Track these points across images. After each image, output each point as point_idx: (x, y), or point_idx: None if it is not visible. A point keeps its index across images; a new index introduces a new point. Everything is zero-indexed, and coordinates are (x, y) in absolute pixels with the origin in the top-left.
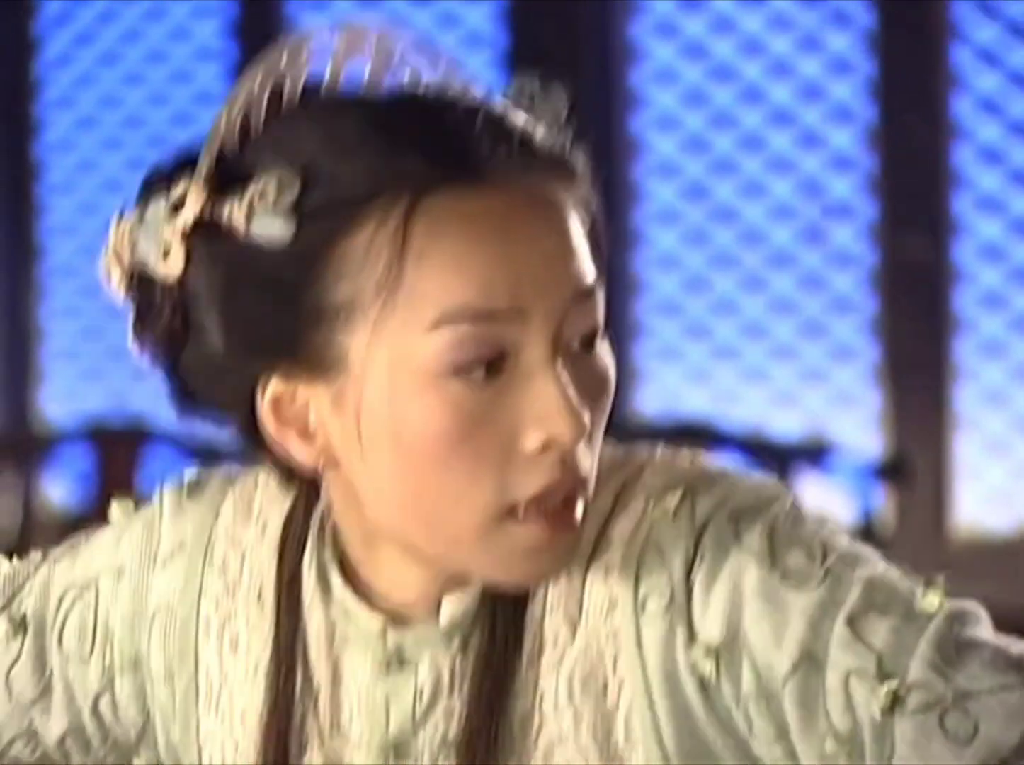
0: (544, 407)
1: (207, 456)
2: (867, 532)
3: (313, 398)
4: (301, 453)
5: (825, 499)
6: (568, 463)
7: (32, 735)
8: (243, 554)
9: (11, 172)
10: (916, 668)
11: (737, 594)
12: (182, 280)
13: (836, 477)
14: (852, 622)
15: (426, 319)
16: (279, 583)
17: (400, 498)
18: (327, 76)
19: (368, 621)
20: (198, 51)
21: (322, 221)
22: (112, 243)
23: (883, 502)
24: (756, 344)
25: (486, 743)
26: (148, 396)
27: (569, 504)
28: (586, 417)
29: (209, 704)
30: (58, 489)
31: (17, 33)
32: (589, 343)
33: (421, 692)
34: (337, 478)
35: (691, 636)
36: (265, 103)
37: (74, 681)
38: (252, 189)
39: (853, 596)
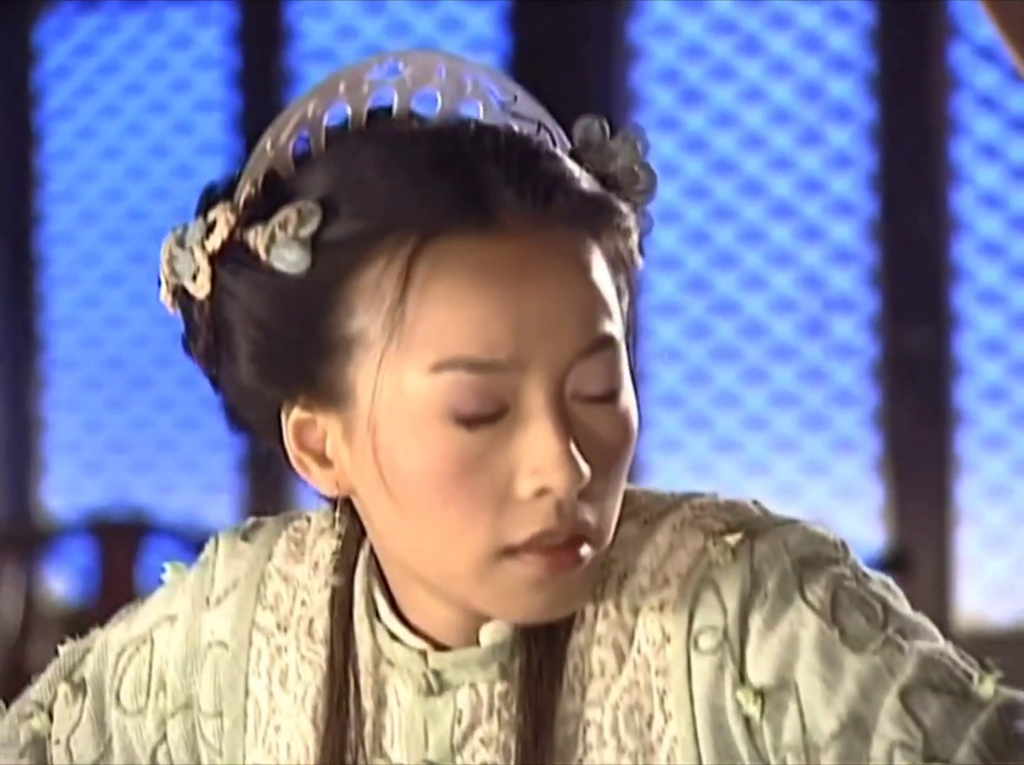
0: (538, 456)
1: None
2: None
3: (329, 427)
4: (320, 480)
5: None
6: (564, 511)
7: None
8: (295, 590)
9: (14, 265)
10: (963, 754)
11: (794, 643)
12: (212, 302)
13: None
14: (905, 695)
15: (426, 362)
16: (331, 612)
17: (402, 531)
18: (395, 105)
19: (411, 642)
20: (199, 59)
21: (338, 254)
22: (161, 258)
23: None
24: (757, 437)
25: None
26: (149, 489)
27: (568, 545)
28: (584, 468)
29: (256, 737)
30: (59, 582)
31: (17, 44)
32: (607, 396)
33: (460, 716)
34: (359, 507)
35: (741, 676)
36: (317, 132)
37: (132, 737)
38: (276, 218)
39: (909, 669)
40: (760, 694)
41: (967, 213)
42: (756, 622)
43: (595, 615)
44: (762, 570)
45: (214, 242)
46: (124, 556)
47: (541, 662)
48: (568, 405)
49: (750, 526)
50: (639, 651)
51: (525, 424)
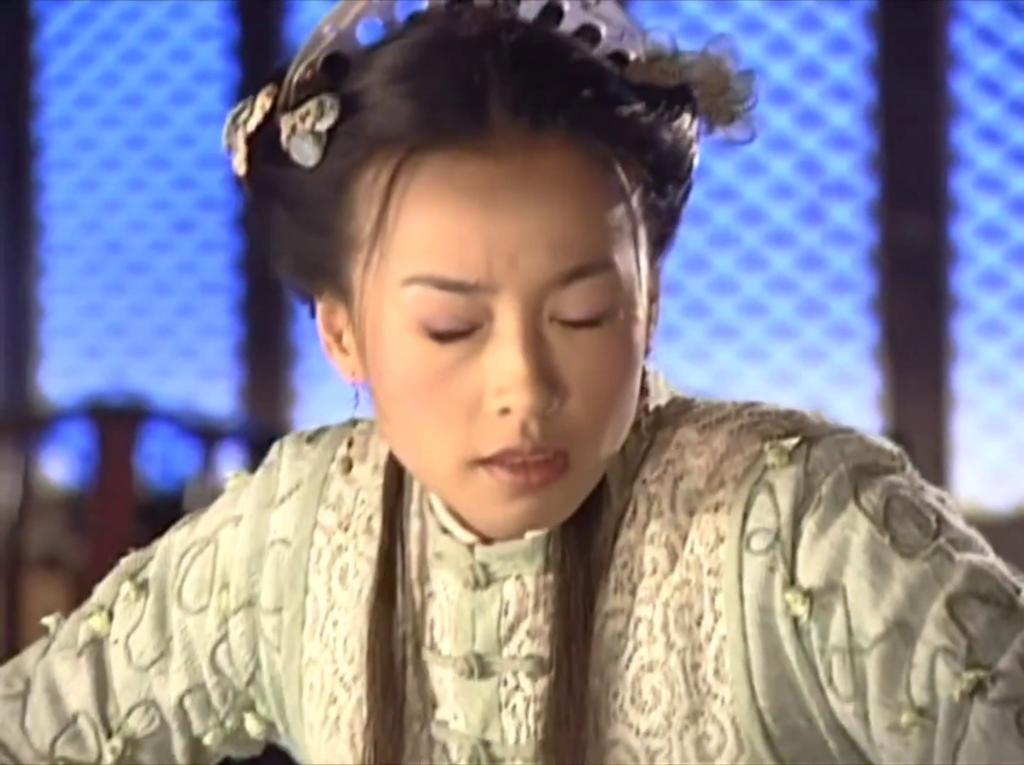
0: (503, 376)
1: (206, 433)
2: None
3: (342, 318)
4: (341, 364)
5: None
6: (528, 430)
7: (150, 704)
8: (357, 490)
9: (11, 150)
10: (1005, 662)
11: (844, 547)
12: (250, 182)
13: None
14: (951, 603)
15: (401, 274)
16: (385, 507)
17: (391, 431)
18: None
19: (460, 535)
20: (199, 73)
21: (345, 153)
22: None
23: None
24: (755, 323)
25: (571, 661)
26: (147, 374)
27: (537, 465)
28: (546, 392)
29: (314, 632)
30: (57, 467)
31: (17, 48)
32: (589, 320)
33: (506, 608)
34: None
35: (791, 578)
36: (355, 29)
37: (193, 636)
38: (300, 109)
39: (957, 578)
40: (808, 595)
41: (966, 99)
42: (808, 525)
43: (647, 513)
44: (817, 474)
45: (251, 123)
46: (122, 441)
47: (583, 555)
48: (544, 328)
49: (808, 432)
50: (692, 551)
51: (495, 343)
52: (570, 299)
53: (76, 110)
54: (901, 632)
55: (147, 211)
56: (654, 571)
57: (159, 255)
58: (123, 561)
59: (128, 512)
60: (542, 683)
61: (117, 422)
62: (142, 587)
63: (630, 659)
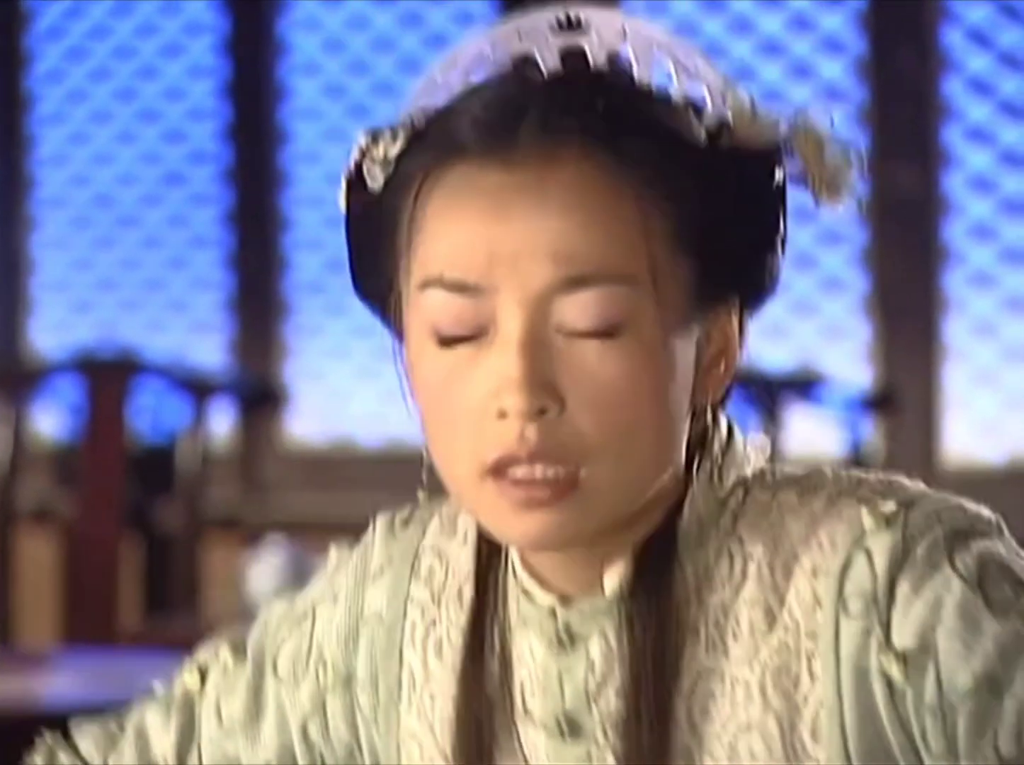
0: (501, 378)
1: (197, 386)
2: (856, 463)
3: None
4: (405, 359)
5: (815, 430)
6: (524, 436)
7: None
8: (447, 563)
9: (2, 104)
10: None
11: (938, 608)
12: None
13: (826, 408)
14: None
15: (418, 279)
16: (476, 576)
17: (429, 446)
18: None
19: (542, 598)
20: (189, 25)
21: (399, 176)
22: None
23: (872, 433)
24: None
25: (652, 719)
26: (137, 327)
27: (544, 482)
28: (539, 396)
29: (411, 705)
30: (48, 420)
31: (6, 1)
32: (596, 332)
33: (592, 667)
34: None
35: (886, 640)
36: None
37: (286, 705)
38: (379, 137)
39: None
40: (903, 658)
41: (956, 51)
42: (903, 587)
43: (743, 573)
44: (914, 538)
45: (351, 163)
46: (113, 395)
47: (662, 611)
48: (549, 336)
49: (906, 497)
50: (790, 614)
51: (497, 347)
52: (575, 309)
53: (66, 63)
54: (990, 686)
55: (137, 164)
56: (752, 632)
57: (149, 209)
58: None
59: (119, 465)
60: (628, 742)
61: (108, 376)
62: (239, 652)
63: (728, 719)
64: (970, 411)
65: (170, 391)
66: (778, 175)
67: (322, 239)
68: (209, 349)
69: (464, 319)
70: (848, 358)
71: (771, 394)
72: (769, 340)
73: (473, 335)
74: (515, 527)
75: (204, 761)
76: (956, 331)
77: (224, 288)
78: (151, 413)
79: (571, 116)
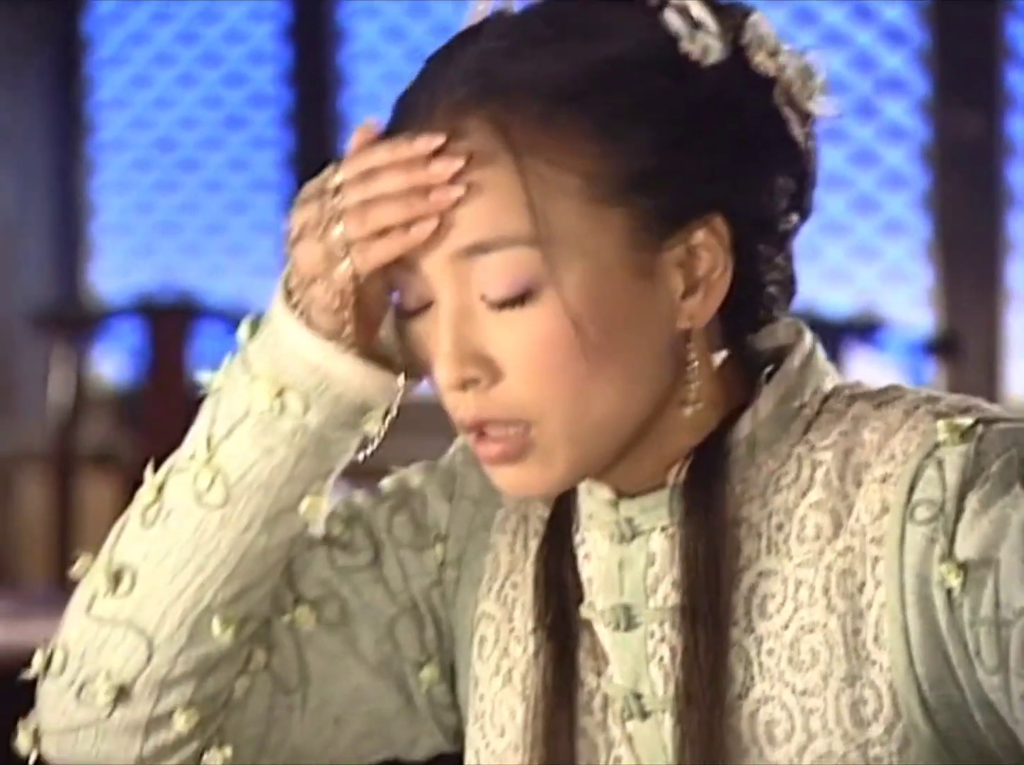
0: (435, 352)
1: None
2: None
3: None
4: None
5: (876, 375)
6: (461, 406)
7: (342, 598)
8: None
9: (61, 46)
10: None
11: (1004, 525)
12: None
13: (887, 353)
14: None
15: None
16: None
17: None
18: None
19: (600, 493)
20: (252, 53)
21: None
22: None
23: (934, 378)
24: (808, 220)
25: (710, 611)
26: (197, 271)
27: (495, 440)
28: (464, 369)
29: (490, 589)
30: (109, 364)
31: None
32: (507, 302)
33: (652, 559)
34: None
35: (949, 550)
36: None
37: (411, 569)
38: None
39: None
40: (963, 568)
41: None
42: (972, 501)
43: (810, 479)
44: (987, 455)
45: None
46: (173, 339)
47: (714, 507)
48: (476, 307)
49: (983, 416)
50: (857, 520)
51: (435, 321)
52: (487, 277)
53: (126, 6)
54: None
55: (198, 108)
56: (817, 536)
57: (210, 152)
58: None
59: (179, 409)
60: (683, 634)
61: (168, 319)
62: (347, 523)
63: (790, 619)
64: None
65: (230, 335)
66: (741, 93)
67: None
68: (268, 292)
69: (413, 292)
70: (910, 302)
71: (832, 338)
72: (830, 284)
73: (424, 305)
74: (496, 479)
75: (307, 594)
76: (1019, 275)
77: (283, 232)
78: (211, 356)
79: (465, 87)
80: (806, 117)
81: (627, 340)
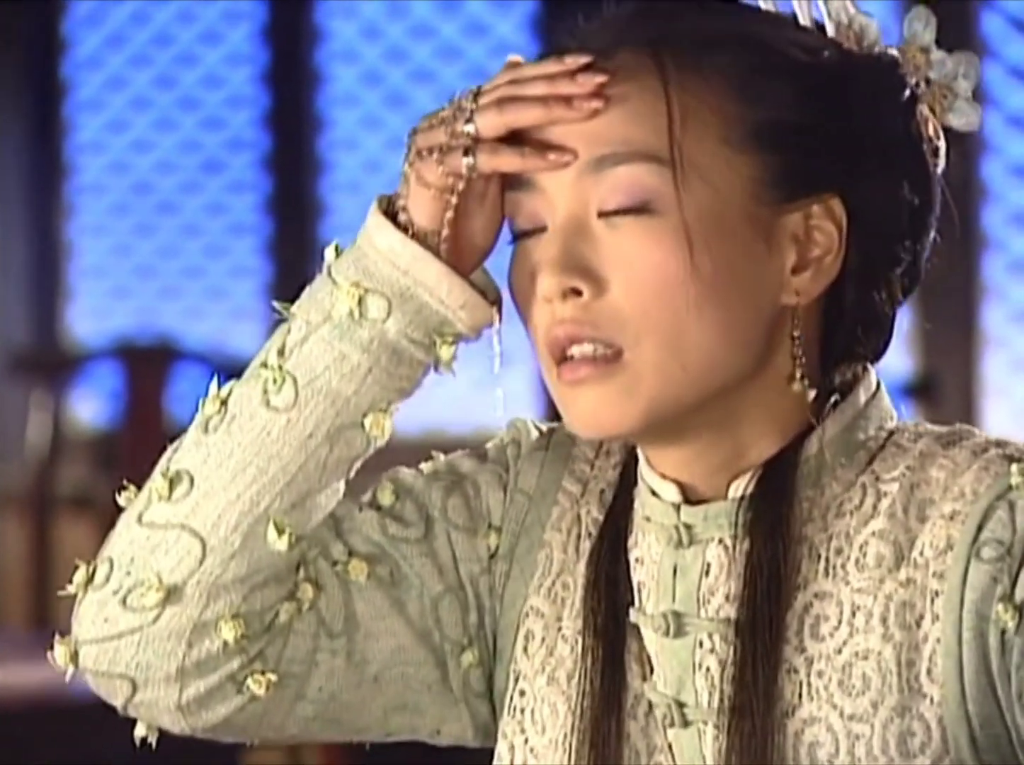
0: (540, 263)
1: (235, 373)
2: None
3: None
4: None
5: None
6: (557, 315)
7: (393, 563)
8: (595, 471)
9: (40, 90)
10: None
11: None
12: None
13: None
14: None
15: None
16: (619, 484)
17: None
18: None
19: (667, 495)
20: (227, 13)
21: None
22: None
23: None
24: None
25: (764, 626)
26: (176, 314)
27: (583, 360)
28: (571, 277)
29: (540, 585)
30: (86, 407)
31: None
32: (635, 210)
33: (707, 569)
34: None
35: (1011, 591)
36: None
37: (461, 552)
38: None
39: None
40: (1020, 610)
41: (995, 38)
42: None
43: (874, 508)
44: None
45: None
46: (151, 381)
47: (779, 523)
48: (591, 222)
49: None
50: (921, 554)
51: (547, 237)
52: (607, 188)
53: (105, 50)
54: None
55: (176, 152)
56: (878, 565)
57: (188, 196)
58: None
59: (157, 451)
60: (736, 647)
61: (146, 362)
62: (396, 495)
63: (844, 643)
64: (1010, 398)
65: (208, 377)
66: (892, 92)
67: (359, 225)
68: (247, 335)
69: (528, 213)
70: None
71: None
72: None
73: (538, 228)
74: (571, 410)
75: (358, 549)
76: (996, 319)
77: (262, 275)
78: (189, 399)
79: (623, 23)
80: (940, 131)
81: (736, 290)
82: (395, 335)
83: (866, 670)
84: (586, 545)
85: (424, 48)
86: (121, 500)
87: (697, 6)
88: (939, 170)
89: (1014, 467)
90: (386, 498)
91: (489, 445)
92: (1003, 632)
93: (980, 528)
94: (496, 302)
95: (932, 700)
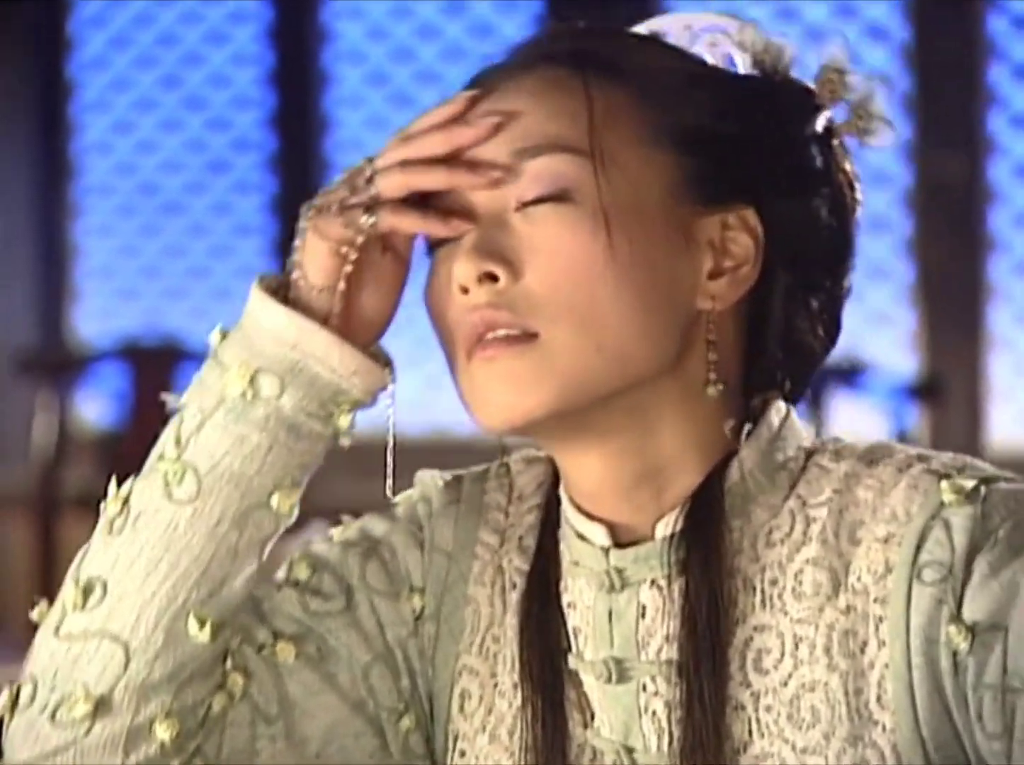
0: (458, 257)
1: None
2: None
3: None
4: None
5: (860, 419)
6: (472, 301)
7: (319, 638)
8: (509, 518)
9: (45, 90)
10: None
11: (1014, 591)
12: None
13: (871, 396)
14: None
15: None
16: (540, 527)
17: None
18: None
19: (597, 539)
20: (233, 14)
21: None
22: None
23: (917, 421)
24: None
25: (707, 664)
26: (181, 315)
27: (497, 340)
28: (485, 263)
29: (472, 643)
30: (92, 407)
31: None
32: (550, 198)
33: (643, 612)
34: None
35: (957, 612)
36: None
37: (386, 618)
38: None
39: None
40: (971, 630)
41: (1001, 38)
42: (981, 564)
43: (804, 535)
44: (994, 517)
45: None
46: (156, 382)
47: (713, 559)
48: (509, 216)
49: (984, 475)
50: (859, 579)
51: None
52: (527, 180)
53: (111, 50)
54: None
55: (182, 152)
56: (816, 593)
57: (194, 196)
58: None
59: None
60: (681, 688)
61: (152, 362)
62: (313, 568)
63: (789, 676)
64: (1015, 399)
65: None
66: (806, 111)
67: None
68: None
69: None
70: (893, 346)
71: (816, 382)
72: None
73: (455, 240)
74: (481, 395)
75: (283, 630)
76: (1001, 319)
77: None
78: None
79: (567, 43)
80: (856, 175)
81: (652, 279)
82: (291, 411)
83: (814, 702)
84: (512, 596)
85: (430, 49)
86: (34, 615)
87: (618, 26)
88: (858, 206)
89: (944, 484)
90: (303, 573)
91: (399, 503)
92: (955, 653)
93: (918, 549)
94: (388, 365)
95: (884, 727)
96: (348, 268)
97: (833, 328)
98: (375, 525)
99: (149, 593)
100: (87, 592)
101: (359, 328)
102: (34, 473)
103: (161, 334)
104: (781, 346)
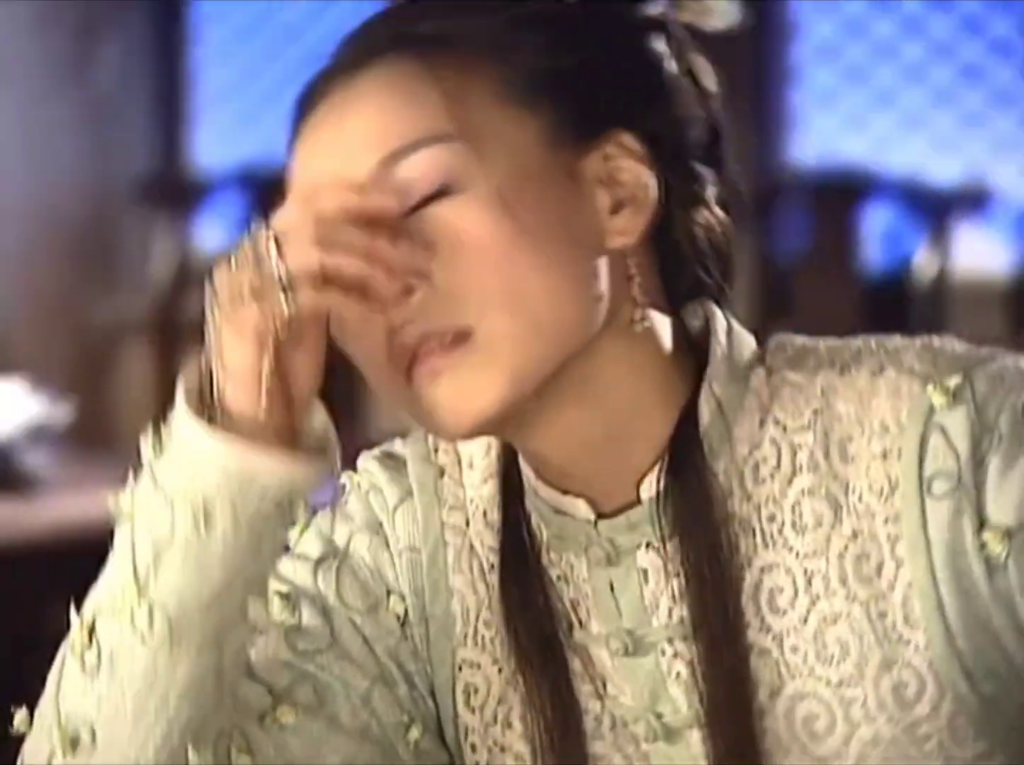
0: None
1: None
2: None
3: None
4: None
5: (983, 246)
6: (403, 317)
7: (316, 681)
8: (464, 491)
9: None
10: None
11: None
12: None
13: (994, 224)
14: None
15: None
16: (502, 499)
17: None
18: None
19: (581, 513)
20: None
21: None
22: None
23: None
24: (915, 89)
25: (724, 616)
26: None
27: (433, 350)
28: (400, 279)
29: (465, 635)
30: (212, 235)
31: None
32: (437, 195)
33: (645, 577)
34: None
35: (981, 518)
36: None
37: (367, 630)
38: None
39: None
40: (1008, 534)
41: None
42: (994, 463)
43: (793, 464)
44: (988, 411)
45: None
46: None
47: (704, 508)
48: (404, 224)
49: (961, 366)
50: (861, 500)
51: None
52: (407, 183)
53: None
54: None
55: None
56: (819, 524)
57: (312, 22)
58: None
59: None
60: (699, 647)
61: (271, 190)
62: (289, 598)
63: (808, 612)
64: None
65: None
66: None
67: None
68: None
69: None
70: (1018, 173)
71: (939, 210)
72: (937, 155)
73: None
74: (433, 412)
75: (276, 684)
76: None
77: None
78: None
79: (385, 31)
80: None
81: (562, 240)
82: (248, 533)
83: (839, 634)
84: (493, 578)
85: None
86: (17, 722)
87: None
88: (715, 87)
89: (929, 388)
90: (282, 613)
91: (350, 498)
92: (988, 559)
93: (921, 462)
94: (331, 439)
95: (916, 646)
96: (270, 363)
97: (737, 211)
98: (336, 530)
99: (143, 735)
100: (75, 741)
101: (297, 400)
102: (153, 301)
103: (280, 161)
104: (695, 251)
